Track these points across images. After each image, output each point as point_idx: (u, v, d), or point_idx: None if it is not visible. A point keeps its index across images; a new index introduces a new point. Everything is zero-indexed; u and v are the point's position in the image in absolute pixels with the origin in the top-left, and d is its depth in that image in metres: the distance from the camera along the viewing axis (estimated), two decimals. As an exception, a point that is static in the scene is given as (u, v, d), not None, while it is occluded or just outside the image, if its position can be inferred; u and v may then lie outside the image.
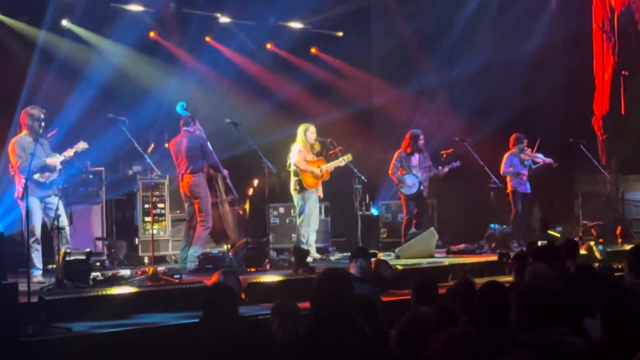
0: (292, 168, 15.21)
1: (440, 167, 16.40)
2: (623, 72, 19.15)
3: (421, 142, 16.32)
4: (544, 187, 18.79)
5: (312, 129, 15.43)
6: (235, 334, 6.44)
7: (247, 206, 16.70)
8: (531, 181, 17.06)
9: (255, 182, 17.03)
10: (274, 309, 7.01)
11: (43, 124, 12.32)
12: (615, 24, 19.40)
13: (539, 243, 11.58)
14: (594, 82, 19.56)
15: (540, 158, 16.96)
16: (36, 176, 12.16)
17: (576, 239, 16.52)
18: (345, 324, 5.64)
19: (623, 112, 19.18)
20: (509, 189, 16.90)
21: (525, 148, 16.97)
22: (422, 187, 16.28)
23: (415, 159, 16.35)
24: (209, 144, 14.00)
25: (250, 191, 17.07)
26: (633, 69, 19.14)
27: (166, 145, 16.00)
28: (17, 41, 15.70)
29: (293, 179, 15.28)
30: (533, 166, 16.95)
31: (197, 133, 14.00)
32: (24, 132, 12.42)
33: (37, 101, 13.48)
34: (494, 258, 13.37)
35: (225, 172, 14.27)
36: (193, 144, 13.78)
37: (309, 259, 14.76)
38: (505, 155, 16.92)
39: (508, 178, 16.89)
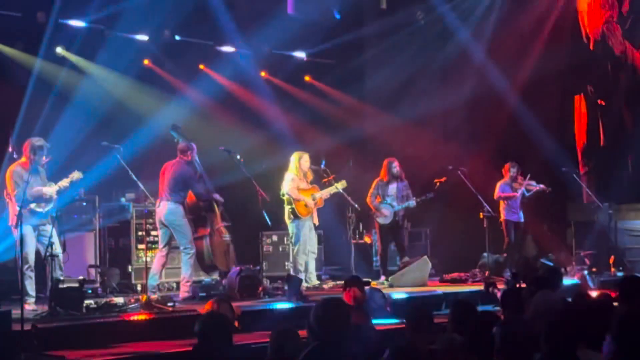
0: (285, 197, 15.23)
1: (414, 198, 16.30)
2: (599, 102, 19.16)
3: (395, 169, 16.27)
4: (537, 216, 18.82)
5: (305, 157, 15.46)
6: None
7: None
8: (524, 210, 17.07)
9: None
10: (273, 336, 6.98)
11: (45, 157, 12.38)
12: (591, 51, 19.40)
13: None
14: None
15: (533, 185, 16.98)
16: (32, 205, 12.16)
17: (569, 268, 16.65)
18: (341, 353, 5.64)
19: (602, 144, 19.18)
20: (502, 217, 16.92)
21: (518, 176, 17.00)
22: (397, 217, 16.25)
23: (392, 187, 16.28)
24: (199, 178, 14.02)
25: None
26: (609, 99, 19.14)
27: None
28: (12, 68, 15.70)
29: (287, 208, 15.28)
30: (527, 194, 16.95)
31: (193, 163, 14.04)
32: (23, 159, 12.43)
33: (32, 128, 13.51)
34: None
35: (219, 197, 14.30)
36: (178, 175, 13.80)
37: (309, 285, 14.84)
38: (498, 184, 16.94)
39: (501, 207, 16.91)
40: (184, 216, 13.85)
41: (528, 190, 16.96)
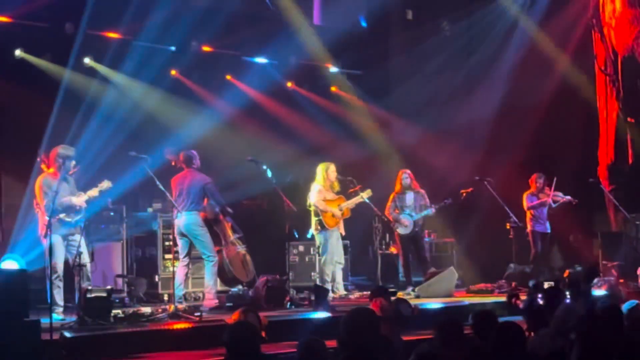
0: (312, 208, 15.25)
1: (433, 205, 16.33)
2: (629, 119, 18.90)
3: (407, 180, 16.29)
4: (563, 227, 18.76)
5: (332, 167, 15.46)
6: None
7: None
8: (550, 221, 17.03)
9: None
10: (300, 346, 6.98)
11: (74, 162, 12.46)
12: (619, 68, 19.01)
13: (546, 284, 11.52)
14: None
15: (560, 196, 16.94)
16: (62, 215, 12.21)
17: (595, 279, 16.55)
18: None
19: (630, 162, 18.97)
20: (529, 228, 16.89)
21: (545, 187, 16.97)
22: (417, 227, 16.28)
23: (409, 198, 16.30)
24: (213, 183, 14.07)
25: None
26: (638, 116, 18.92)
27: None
28: (41, 79, 15.79)
29: (314, 219, 15.28)
30: (553, 205, 16.91)
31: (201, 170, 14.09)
32: (51, 170, 12.50)
33: (61, 139, 13.58)
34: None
35: (229, 210, 14.35)
36: (197, 184, 13.84)
37: (336, 296, 14.85)
38: (525, 195, 16.91)
39: (527, 217, 16.88)
40: (203, 225, 13.89)
41: (555, 202, 16.92)
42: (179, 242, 13.99)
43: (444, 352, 6.65)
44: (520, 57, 19.29)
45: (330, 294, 14.55)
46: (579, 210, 17.70)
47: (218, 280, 14.35)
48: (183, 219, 13.70)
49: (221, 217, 14.37)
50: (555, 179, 16.95)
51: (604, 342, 6.37)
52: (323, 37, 18.46)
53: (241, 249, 14.77)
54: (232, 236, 14.61)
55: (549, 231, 16.98)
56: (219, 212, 14.33)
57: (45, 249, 11.79)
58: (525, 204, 16.87)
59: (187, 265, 14.07)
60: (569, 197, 16.94)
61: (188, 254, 14.02)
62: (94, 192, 12.60)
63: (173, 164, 14.24)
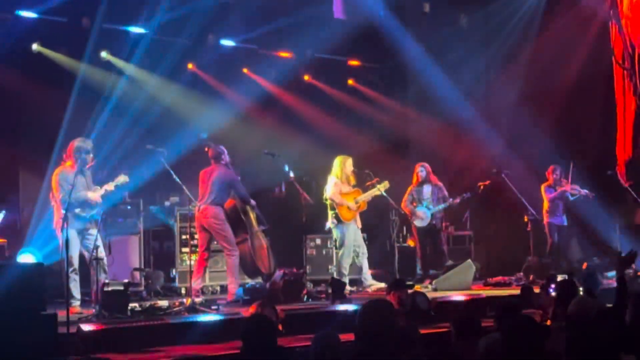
0: (329, 202, 15.24)
1: (451, 199, 16.36)
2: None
3: (422, 172, 16.35)
4: (582, 219, 18.67)
5: (349, 161, 15.46)
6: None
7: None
8: (569, 214, 16.97)
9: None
10: (315, 340, 6.96)
11: (91, 155, 12.46)
12: (635, 62, 18.42)
13: (559, 277, 11.44)
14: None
15: (577, 190, 16.87)
16: (77, 210, 12.20)
17: (614, 272, 16.49)
18: (386, 356, 5.62)
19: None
20: (545, 220, 16.84)
21: (562, 179, 16.91)
22: (434, 220, 16.27)
23: (427, 191, 16.40)
24: (239, 180, 14.06)
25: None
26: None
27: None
28: (58, 73, 15.82)
29: (330, 213, 15.29)
30: (571, 198, 16.85)
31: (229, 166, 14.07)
32: (68, 163, 12.49)
33: (77, 132, 13.58)
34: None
35: (253, 202, 14.31)
36: (223, 179, 13.81)
37: (361, 288, 14.88)
38: (543, 187, 16.86)
39: (544, 210, 16.83)
40: (225, 220, 13.86)
41: (572, 195, 16.85)
42: (199, 235, 14.00)
43: (460, 343, 6.64)
44: (537, 50, 19.17)
45: (347, 287, 14.55)
46: (598, 203, 17.58)
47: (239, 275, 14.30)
48: (204, 213, 13.69)
49: (248, 208, 14.34)
50: (572, 166, 16.88)
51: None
52: (340, 31, 18.38)
53: (265, 241, 14.78)
54: (257, 227, 14.61)
55: (565, 224, 16.91)
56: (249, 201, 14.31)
57: (61, 243, 11.80)
58: (545, 196, 16.82)
59: (207, 259, 14.05)
60: (586, 191, 16.87)
61: (207, 248, 14.01)
62: (110, 187, 12.59)
63: (206, 150, 14.22)
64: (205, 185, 13.84)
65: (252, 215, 14.52)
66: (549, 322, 8.77)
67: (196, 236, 14.49)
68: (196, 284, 13.63)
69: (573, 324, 6.33)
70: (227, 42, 18.09)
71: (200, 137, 14.66)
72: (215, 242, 14.05)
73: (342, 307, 12.47)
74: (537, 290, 11.58)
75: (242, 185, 14.10)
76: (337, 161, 15.46)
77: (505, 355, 5.87)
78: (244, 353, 6.82)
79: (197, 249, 14.14)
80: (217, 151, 13.97)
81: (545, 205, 16.87)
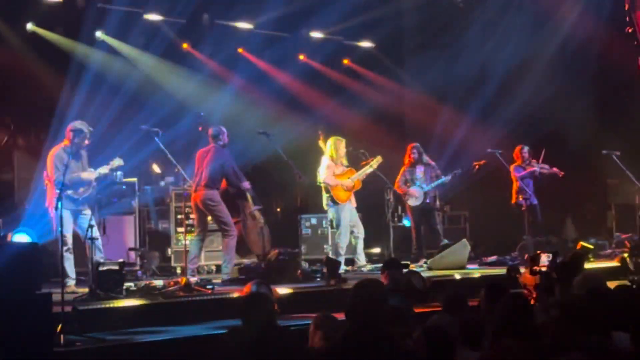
0: (323, 185, 15.23)
1: (444, 177, 16.37)
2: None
3: (415, 154, 16.42)
4: (577, 198, 18.71)
5: (342, 143, 15.44)
6: (273, 343, 6.46)
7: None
8: (562, 192, 16.95)
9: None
10: (317, 322, 6.96)
11: (87, 140, 12.46)
12: None
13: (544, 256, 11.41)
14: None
15: (546, 168, 16.84)
16: (70, 192, 12.19)
17: (609, 251, 16.56)
18: (378, 336, 5.64)
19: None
20: (514, 200, 16.82)
21: (531, 159, 16.90)
22: (428, 199, 16.31)
23: (420, 170, 16.43)
24: (233, 163, 14.04)
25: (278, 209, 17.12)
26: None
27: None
28: (53, 53, 15.79)
29: (325, 196, 15.29)
30: (539, 177, 16.83)
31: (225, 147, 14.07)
32: (65, 142, 12.49)
33: (72, 112, 13.59)
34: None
35: (247, 184, 14.30)
36: (217, 161, 13.80)
37: (355, 268, 14.89)
38: (512, 167, 16.83)
39: (514, 189, 16.80)
40: (219, 201, 13.85)
41: (541, 173, 16.82)
42: (195, 215, 14.03)
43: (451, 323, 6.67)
44: (533, 27, 19.12)
45: (343, 267, 14.56)
46: (593, 182, 17.60)
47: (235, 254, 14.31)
48: (199, 194, 13.71)
49: (243, 189, 14.35)
50: (544, 151, 16.88)
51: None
52: (337, 10, 18.33)
53: (260, 221, 14.79)
54: (251, 207, 14.62)
55: (535, 202, 16.79)
56: (239, 187, 14.29)
57: (54, 222, 11.83)
58: (514, 176, 16.78)
59: (202, 239, 14.08)
60: (555, 169, 16.84)
61: (204, 229, 14.03)
62: (104, 170, 12.62)
63: (200, 129, 14.23)
64: (199, 166, 13.85)
65: (249, 196, 14.53)
66: (532, 302, 8.82)
67: (192, 216, 14.50)
68: (193, 263, 13.69)
69: (585, 301, 6.38)
70: (222, 22, 18.01)
71: (199, 115, 14.62)
72: (211, 222, 14.07)
73: (336, 287, 12.52)
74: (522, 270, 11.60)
75: (236, 169, 14.06)
76: (330, 141, 15.44)
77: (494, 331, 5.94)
78: (239, 331, 6.82)
79: (194, 229, 14.15)
80: (216, 131, 13.97)
81: (515, 185, 16.83)
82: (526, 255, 16.07)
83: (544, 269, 10.16)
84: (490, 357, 5.10)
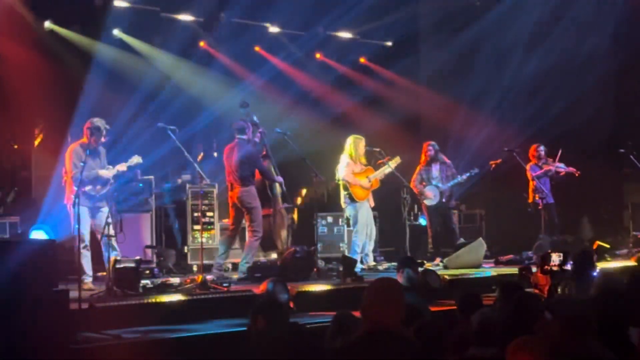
0: (341, 182, 15.22)
1: (460, 176, 16.37)
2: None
3: (430, 152, 16.41)
4: (593, 198, 18.66)
5: (362, 141, 15.40)
6: (287, 341, 6.48)
7: (295, 215, 16.69)
8: (575, 192, 16.90)
9: (304, 191, 17.12)
10: (336, 320, 6.96)
11: (104, 137, 12.51)
12: None
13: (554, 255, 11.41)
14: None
15: (562, 167, 16.80)
16: (87, 188, 12.24)
17: (625, 250, 16.52)
18: (394, 335, 5.65)
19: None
20: (530, 199, 16.77)
21: (547, 158, 16.86)
22: (444, 198, 16.30)
23: (435, 169, 16.44)
24: (264, 157, 14.10)
25: (299, 200, 17.13)
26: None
27: (215, 154, 16.17)
28: (70, 51, 15.84)
29: (343, 193, 15.27)
30: (555, 176, 16.79)
31: (255, 140, 14.10)
32: (84, 139, 12.55)
33: (90, 110, 13.62)
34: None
35: (280, 178, 14.37)
36: (242, 155, 13.82)
37: (365, 267, 14.86)
38: (528, 166, 16.78)
39: (530, 188, 16.75)
40: (257, 198, 13.91)
41: (557, 172, 16.78)
42: (231, 213, 14.11)
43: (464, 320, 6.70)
44: (547, 29, 19.09)
45: (359, 265, 14.58)
46: (609, 181, 17.54)
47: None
48: (236, 192, 13.82)
49: (276, 185, 14.43)
50: (560, 151, 16.84)
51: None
52: (352, 8, 18.33)
53: (287, 219, 14.84)
54: (281, 205, 14.68)
55: (552, 201, 16.75)
56: (273, 179, 14.38)
57: (71, 219, 11.88)
58: (529, 175, 16.74)
59: (234, 237, 14.15)
60: (572, 168, 16.79)
61: (237, 227, 14.13)
62: (122, 167, 12.66)
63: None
64: (228, 163, 13.92)
65: (279, 191, 14.60)
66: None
67: (209, 214, 14.55)
68: (221, 258, 13.87)
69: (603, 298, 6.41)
70: (239, 20, 18.01)
71: (243, 103, 14.64)
72: (244, 222, 14.12)
73: (352, 285, 12.55)
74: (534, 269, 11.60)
75: (262, 163, 14.12)
76: (350, 140, 15.40)
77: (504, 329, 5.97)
78: (254, 329, 6.84)
79: (212, 227, 14.61)
80: (241, 124, 14.01)
81: (531, 184, 16.79)
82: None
83: (555, 268, 10.19)
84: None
